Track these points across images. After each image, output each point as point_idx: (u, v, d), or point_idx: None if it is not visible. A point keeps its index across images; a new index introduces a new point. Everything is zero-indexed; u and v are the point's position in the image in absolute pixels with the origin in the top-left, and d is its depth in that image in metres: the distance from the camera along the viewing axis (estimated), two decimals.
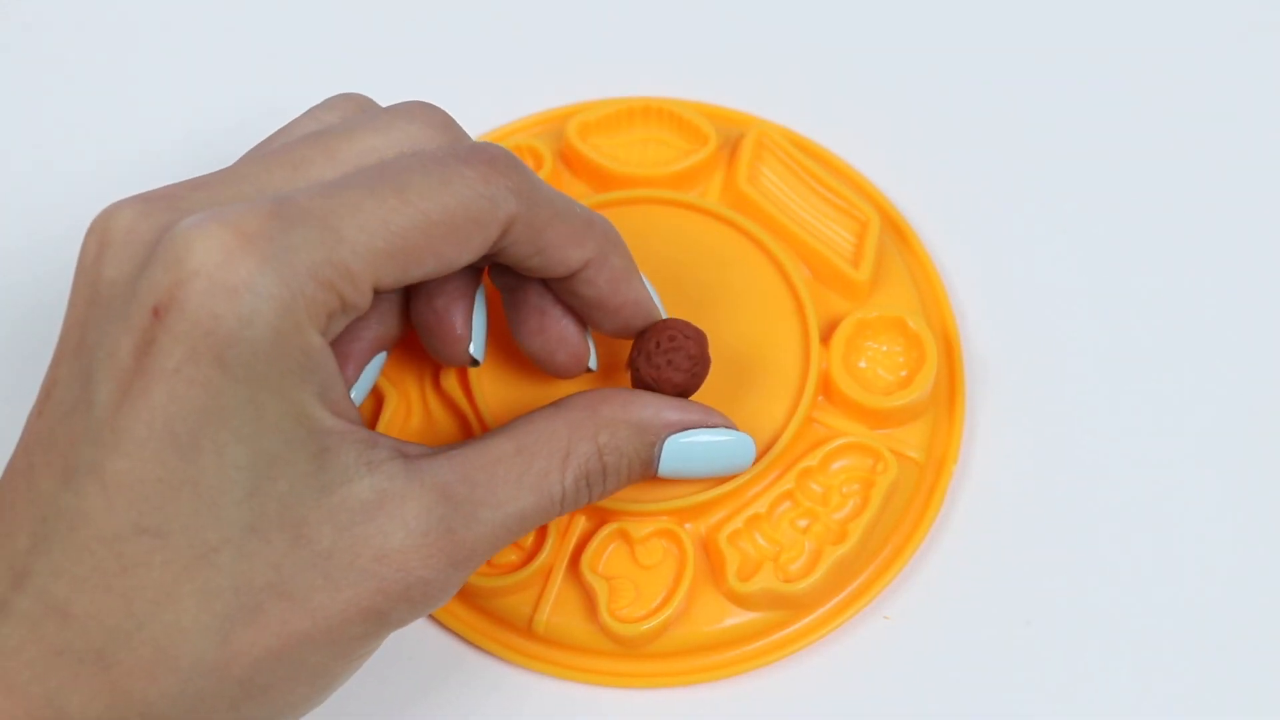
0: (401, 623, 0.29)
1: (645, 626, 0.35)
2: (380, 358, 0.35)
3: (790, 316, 0.38)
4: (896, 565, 0.37)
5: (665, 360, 0.34)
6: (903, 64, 0.45)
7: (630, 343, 0.35)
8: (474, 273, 0.34)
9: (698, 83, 0.44)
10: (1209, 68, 0.45)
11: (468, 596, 0.36)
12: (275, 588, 0.28)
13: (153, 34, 0.46)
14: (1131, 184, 0.43)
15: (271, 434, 0.28)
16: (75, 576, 0.27)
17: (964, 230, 0.42)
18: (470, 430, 0.37)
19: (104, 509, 0.27)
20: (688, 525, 0.36)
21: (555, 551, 0.36)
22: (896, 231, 0.42)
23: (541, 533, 0.36)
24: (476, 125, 0.43)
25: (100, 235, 0.29)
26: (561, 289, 0.33)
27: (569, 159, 0.41)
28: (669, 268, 0.38)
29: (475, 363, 0.34)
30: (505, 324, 0.36)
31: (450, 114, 0.32)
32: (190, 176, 0.30)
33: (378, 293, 0.29)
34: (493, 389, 0.37)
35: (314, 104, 0.33)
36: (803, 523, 0.36)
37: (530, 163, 0.40)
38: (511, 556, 0.36)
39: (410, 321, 0.34)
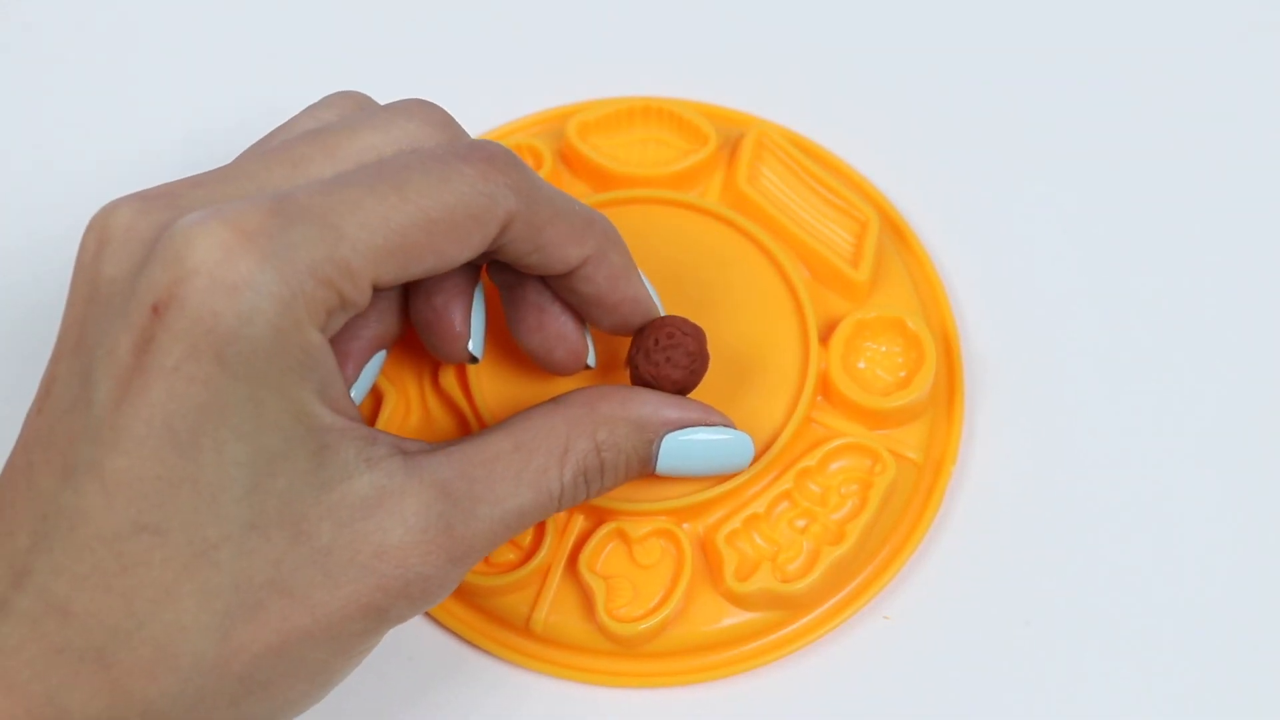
0: (401, 619, 0.30)
1: (643, 626, 0.35)
2: (380, 356, 0.34)
3: (789, 316, 0.38)
4: (895, 566, 0.37)
5: (664, 357, 0.34)
6: (903, 64, 0.45)
7: (629, 340, 0.35)
8: (473, 270, 0.34)
9: (698, 83, 0.44)
10: (1209, 68, 0.45)
11: (465, 595, 0.36)
12: (275, 585, 0.28)
13: (153, 34, 0.46)
14: (1131, 184, 0.43)
15: (271, 431, 0.28)
16: (75, 575, 0.27)
17: (963, 230, 0.42)
18: (469, 428, 0.37)
19: (104, 507, 0.27)
20: (686, 525, 0.36)
21: (553, 551, 0.36)
22: (896, 232, 0.42)
23: (539, 532, 0.36)
24: (476, 125, 0.43)
25: (99, 233, 0.29)
26: (560, 286, 0.33)
27: (569, 159, 0.41)
28: (669, 267, 0.38)
29: (474, 360, 0.34)
30: (504, 321, 0.36)
31: (449, 112, 0.32)
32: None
33: (377, 290, 0.29)
34: (491, 386, 0.37)
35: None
36: (801, 523, 0.36)
37: (530, 162, 0.40)
38: (509, 555, 0.36)
39: (409, 319, 0.34)
